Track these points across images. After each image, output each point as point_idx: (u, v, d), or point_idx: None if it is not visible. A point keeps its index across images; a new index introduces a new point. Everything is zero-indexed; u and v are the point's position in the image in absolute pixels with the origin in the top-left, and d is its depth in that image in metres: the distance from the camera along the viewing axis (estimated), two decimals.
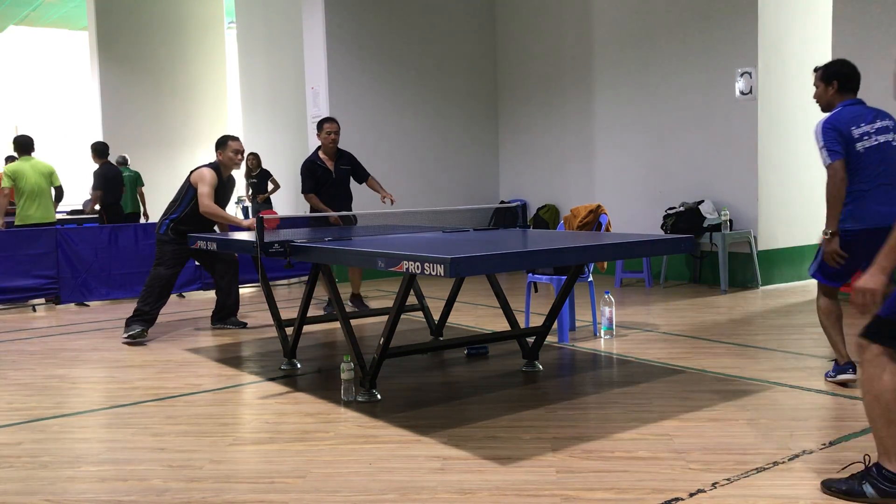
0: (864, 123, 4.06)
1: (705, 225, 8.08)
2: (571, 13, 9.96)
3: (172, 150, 14.90)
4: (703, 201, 8.26)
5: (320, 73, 9.74)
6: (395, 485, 3.08)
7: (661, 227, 8.42)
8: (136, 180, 11.52)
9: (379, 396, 4.29)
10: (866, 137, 4.04)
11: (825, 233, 4.05)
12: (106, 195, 10.05)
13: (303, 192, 7.14)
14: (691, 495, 2.89)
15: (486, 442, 3.54)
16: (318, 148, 7.23)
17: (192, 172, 6.43)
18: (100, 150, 10.29)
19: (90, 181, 10.30)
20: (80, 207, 12.23)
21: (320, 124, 7.17)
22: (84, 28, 16.56)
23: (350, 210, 7.26)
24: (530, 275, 6.18)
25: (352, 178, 7.38)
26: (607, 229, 6.37)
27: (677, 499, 2.87)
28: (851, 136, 4.02)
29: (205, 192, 6.25)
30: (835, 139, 4.01)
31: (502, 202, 10.87)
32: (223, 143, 6.49)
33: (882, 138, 4.06)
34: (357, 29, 9.88)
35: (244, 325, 6.73)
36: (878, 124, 4.09)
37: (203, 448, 3.60)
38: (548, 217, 10.21)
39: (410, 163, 10.40)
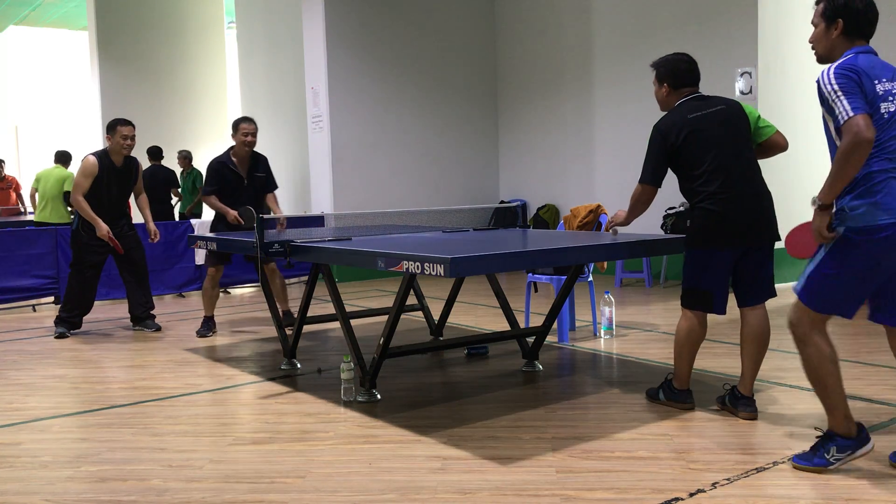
0: (885, 79, 2.89)
1: None
2: (571, 13, 9.95)
3: (172, 150, 14.87)
4: None
5: (320, 73, 9.74)
6: (395, 485, 3.08)
7: (661, 227, 8.40)
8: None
9: (379, 396, 4.29)
10: (891, 98, 2.86)
11: (816, 202, 2.92)
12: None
13: (203, 194, 6.31)
14: (691, 495, 2.89)
15: (486, 442, 3.54)
16: (231, 149, 6.29)
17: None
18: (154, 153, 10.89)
19: None
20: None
21: (236, 124, 6.26)
22: (84, 28, 16.56)
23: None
24: (530, 275, 6.18)
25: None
26: (607, 229, 6.36)
27: (677, 499, 2.86)
28: (875, 91, 2.84)
29: (77, 182, 6.09)
30: (854, 88, 2.79)
31: (502, 202, 10.87)
32: (112, 127, 6.25)
33: None
34: (357, 29, 9.88)
35: (158, 328, 6.65)
36: None
37: (203, 448, 3.60)
38: (548, 217, 10.21)
39: (410, 162, 10.40)
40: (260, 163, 6.33)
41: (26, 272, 7.89)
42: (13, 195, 12.43)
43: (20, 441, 3.79)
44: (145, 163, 10.35)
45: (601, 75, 9.63)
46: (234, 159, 6.22)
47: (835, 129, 2.85)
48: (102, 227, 6.18)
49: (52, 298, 8.14)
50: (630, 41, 9.25)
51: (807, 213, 9.21)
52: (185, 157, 11.60)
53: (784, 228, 8.71)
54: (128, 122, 6.34)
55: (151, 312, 6.74)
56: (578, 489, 2.98)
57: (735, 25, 8.16)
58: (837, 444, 3.03)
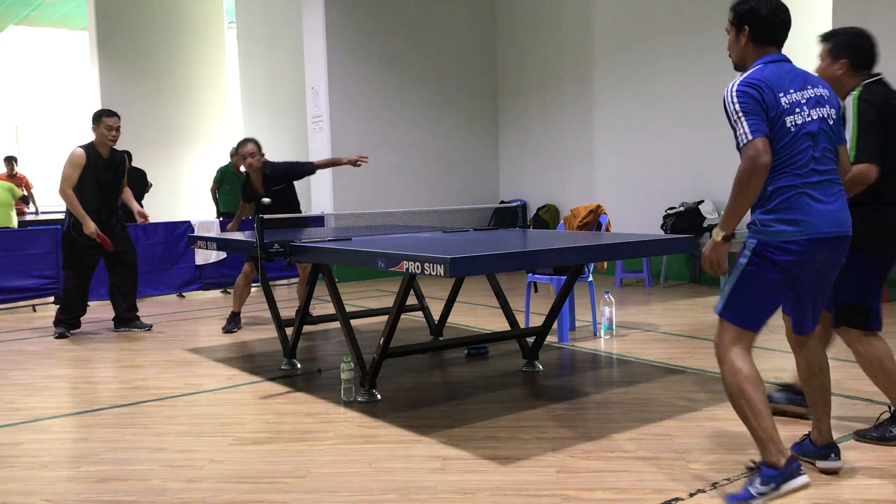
0: (793, 90, 2.79)
1: (705, 225, 8.08)
2: (571, 13, 9.96)
3: (172, 150, 14.88)
4: (703, 201, 8.26)
5: (320, 73, 9.75)
6: (395, 485, 3.08)
7: (661, 227, 8.42)
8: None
9: (379, 396, 4.29)
10: (798, 110, 2.76)
11: (719, 234, 2.96)
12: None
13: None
14: (691, 495, 2.89)
15: (486, 442, 3.54)
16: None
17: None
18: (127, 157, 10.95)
19: None
20: None
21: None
22: (84, 28, 16.55)
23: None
24: (530, 275, 6.18)
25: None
26: (607, 229, 6.37)
27: (677, 499, 2.86)
28: (780, 104, 2.75)
29: (66, 174, 6.04)
30: (755, 107, 2.73)
31: (502, 202, 10.87)
32: (97, 118, 6.23)
33: (816, 113, 2.79)
34: (357, 29, 9.88)
35: (149, 327, 6.63)
36: (810, 92, 2.81)
37: (203, 448, 3.60)
38: (548, 217, 10.21)
39: (410, 163, 10.40)
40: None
41: (26, 272, 7.88)
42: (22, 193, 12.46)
43: (20, 441, 3.79)
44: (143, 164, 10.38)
45: (601, 75, 9.63)
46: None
47: (737, 148, 2.78)
48: (90, 225, 6.14)
49: (51, 298, 8.13)
50: (630, 41, 9.25)
51: None
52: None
53: None
54: (113, 113, 6.32)
55: (136, 313, 6.68)
56: (578, 489, 2.98)
57: None
58: (762, 475, 2.74)
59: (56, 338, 6.38)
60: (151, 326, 6.65)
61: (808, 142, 2.75)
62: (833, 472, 3.04)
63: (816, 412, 3.11)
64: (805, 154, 2.75)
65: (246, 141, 6.44)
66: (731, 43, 2.97)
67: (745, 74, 2.83)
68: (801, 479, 2.72)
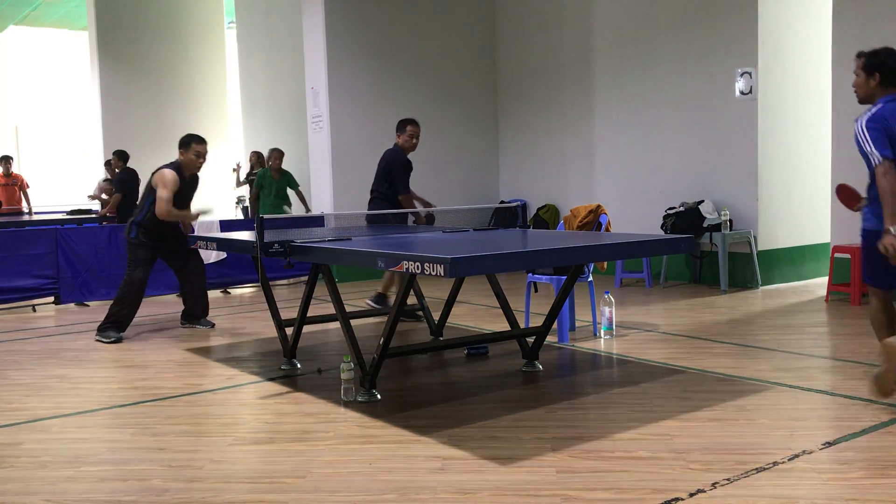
0: None
1: (705, 225, 8.08)
2: (571, 13, 9.95)
3: (172, 150, 14.73)
4: (703, 201, 8.26)
5: (320, 73, 9.74)
6: (395, 485, 3.08)
7: (661, 227, 8.42)
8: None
9: (379, 396, 4.29)
10: None
11: (891, 228, 3.72)
12: (124, 199, 10.73)
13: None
14: (691, 495, 2.89)
15: (486, 442, 3.54)
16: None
17: (154, 173, 6.41)
18: (124, 157, 11.08)
19: (92, 181, 10.38)
20: (83, 207, 12.29)
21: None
22: (84, 28, 16.55)
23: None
24: (530, 275, 6.18)
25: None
26: (607, 229, 6.37)
27: (677, 499, 2.87)
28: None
29: (163, 196, 6.22)
30: (881, 137, 3.77)
31: (502, 202, 10.87)
32: (187, 143, 6.43)
33: None
34: (357, 29, 9.88)
35: (212, 325, 6.70)
36: None
37: (203, 448, 3.60)
38: (548, 217, 10.21)
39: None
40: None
41: (26, 272, 7.89)
42: (18, 192, 12.48)
43: (20, 441, 3.79)
44: (92, 162, 10.49)
45: (601, 75, 9.63)
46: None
47: (869, 170, 3.84)
48: (192, 215, 6.47)
49: (52, 298, 8.13)
50: (630, 41, 9.25)
51: (807, 213, 9.16)
52: (258, 156, 11.79)
53: (784, 228, 8.73)
54: (202, 140, 6.49)
55: (206, 312, 6.80)
56: (578, 489, 2.98)
57: (735, 25, 8.16)
58: None
59: (111, 342, 6.19)
60: (214, 325, 6.72)
61: None
62: None
63: None
64: None
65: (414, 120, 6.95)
66: (860, 83, 4.01)
67: (871, 110, 3.88)
68: None
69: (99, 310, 7.85)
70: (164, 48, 15.03)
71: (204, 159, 6.49)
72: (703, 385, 4.41)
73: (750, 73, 8.05)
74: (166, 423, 4.00)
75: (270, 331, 6.34)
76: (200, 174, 6.75)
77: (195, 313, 6.72)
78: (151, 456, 3.51)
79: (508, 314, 5.14)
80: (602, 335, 5.81)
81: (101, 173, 13.76)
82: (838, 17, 7.43)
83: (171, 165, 6.43)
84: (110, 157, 11.51)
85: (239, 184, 12.80)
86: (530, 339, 5.07)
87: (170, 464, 3.40)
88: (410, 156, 7.03)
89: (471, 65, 10.91)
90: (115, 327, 6.27)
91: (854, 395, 4.14)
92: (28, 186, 12.82)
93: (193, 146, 6.39)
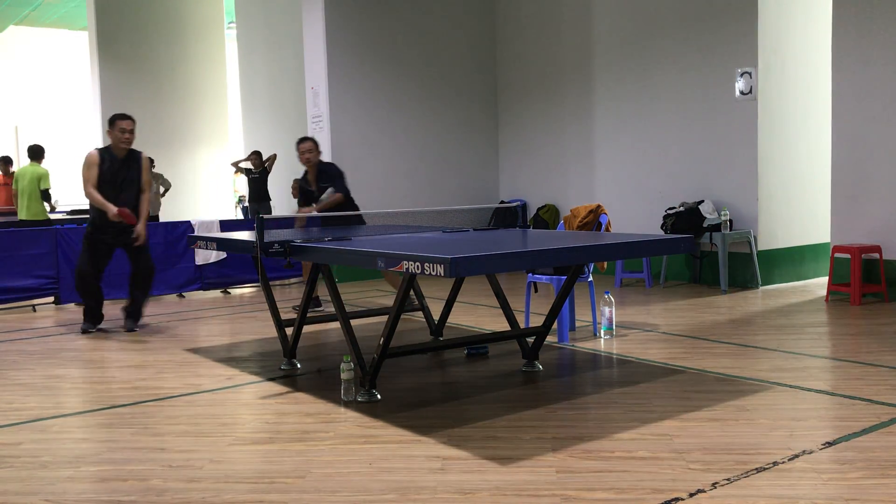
0: None
1: (705, 225, 8.08)
2: (571, 13, 9.96)
3: (172, 150, 14.88)
4: (703, 201, 8.26)
5: (320, 73, 9.75)
6: (395, 485, 3.08)
7: (661, 227, 8.42)
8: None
9: (379, 396, 4.29)
10: None
11: None
12: None
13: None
14: (691, 495, 2.89)
15: (486, 442, 3.54)
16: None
17: None
18: None
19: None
20: (83, 207, 12.27)
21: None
22: (84, 28, 16.56)
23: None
24: (530, 275, 6.18)
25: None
26: (607, 229, 6.37)
27: (677, 499, 2.87)
28: None
29: (84, 176, 6.34)
30: None
31: (502, 202, 10.87)
32: (112, 121, 6.46)
33: None
34: (357, 29, 9.88)
35: (133, 330, 6.69)
36: None
37: (203, 448, 3.60)
38: (548, 217, 10.21)
39: (410, 162, 10.40)
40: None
41: (26, 272, 7.89)
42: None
43: (20, 441, 3.79)
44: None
45: (601, 75, 9.63)
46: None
47: None
48: (111, 209, 6.31)
49: (52, 298, 8.14)
50: (630, 41, 9.25)
51: (807, 213, 9.19)
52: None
53: (784, 228, 8.73)
54: (127, 116, 6.48)
55: (141, 317, 6.82)
56: (578, 489, 2.98)
57: (735, 25, 8.16)
58: None
59: (81, 333, 6.53)
60: (136, 331, 6.69)
61: None
62: None
63: None
64: None
65: (304, 139, 7.20)
66: None
67: None
68: None
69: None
70: (164, 48, 15.04)
71: (131, 135, 6.45)
72: (703, 385, 4.41)
73: (750, 73, 8.05)
74: (166, 423, 4.00)
75: (270, 331, 6.34)
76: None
77: (127, 310, 6.75)
78: (151, 456, 3.51)
79: (508, 314, 5.14)
80: (602, 335, 5.81)
81: None
82: (838, 17, 7.43)
83: (100, 147, 6.54)
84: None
85: (238, 169, 12.93)
86: (530, 339, 5.07)
87: (170, 464, 3.40)
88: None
89: (471, 65, 10.91)
90: (87, 320, 6.58)
91: (854, 395, 4.13)
92: None
93: (118, 123, 6.42)
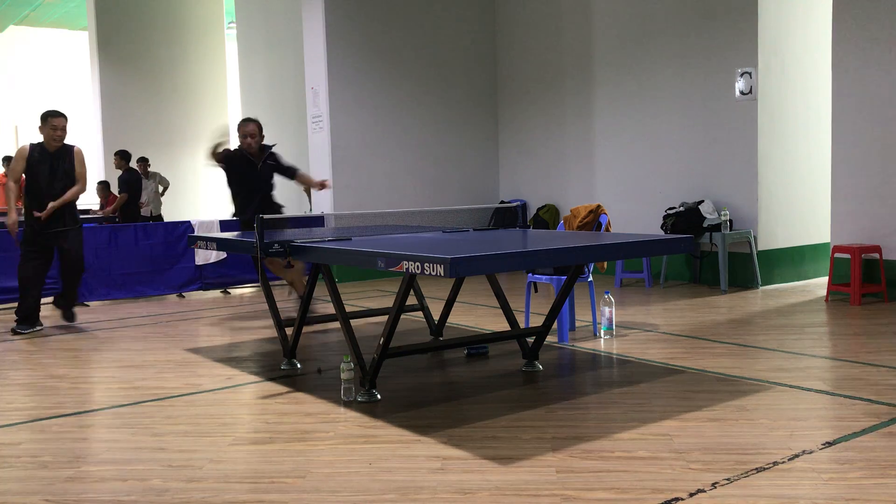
0: None
1: (705, 225, 8.08)
2: (571, 13, 9.96)
3: (172, 150, 14.89)
4: (703, 201, 8.26)
5: (320, 73, 9.75)
6: (395, 485, 3.08)
7: (661, 227, 8.42)
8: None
9: (379, 396, 4.29)
10: None
11: None
12: (128, 199, 11.00)
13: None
14: (691, 495, 2.89)
15: (486, 442, 3.54)
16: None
17: None
18: (126, 156, 11.28)
19: (91, 181, 10.40)
20: (83, 207, 12.30)
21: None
22: (84, 28, 16.56)
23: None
24: (530, 275, 6.18)
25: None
26: (607, 229, 6.37)
27: (677, 499, 2.87)
28: None
29: (10, 167, 6.51)
30: None
31: (502, 202, 10.87)
32: (44, 118, 6.57)
33: None
34: (357, 29, 9.88)
35: (40, 329, 6.74)
36: None
37: (203, 448, 3.60)
38: (548, 217, 10.21)
39: (410, 163, 10.40)
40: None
41: None
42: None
43: (20, 441, 3.79)
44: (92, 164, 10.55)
45: (601, 75, 9.63)
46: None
47: None
48: (11, 217, 6.48)
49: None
50: (630, 41, 9.25)
51: (807, 213, 9.19)
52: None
53: (784, 228, 8.73)
54: (60, 114, 6.62)
55: (73, 310, 6.91)
56: (578, 489, 2.98)
57: (735, 25, 8.16)
58: None
59: (13, 334, 6.54)
60: (42, 329, 6.73)
61: None
62: None
63: None
64: None
65: (248, 121, 6.65)
66: None
67: None
68: None
69: (99, 309, 7.86)
70: (163, 48, 15.04)
71: (62, 132, 6.56)
72: (703, 385, 4.41)
73: (750, 73, 8.05)
74: (166, 423, 4.00)
75: (270, 331, 6.34)
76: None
77: (58, 303, 6.90)
78: (151, 456, 3.51)
79: (508, 314, 5.14)
80: (602, 335, 5.81)
81: (100, 174, 13.78)
82: (838, 17, 7.43)
83: (34, 142, 6.61)
84: (111, 157, 11.58)
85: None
86: (530, 339, 5.07)
87: (170, 464, 3.40)
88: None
89: (471, 65, 10.91)
90: (23, 321, 6.58)
91: (854, 395, 4.13)
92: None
93: (50, 120, 6.52)
